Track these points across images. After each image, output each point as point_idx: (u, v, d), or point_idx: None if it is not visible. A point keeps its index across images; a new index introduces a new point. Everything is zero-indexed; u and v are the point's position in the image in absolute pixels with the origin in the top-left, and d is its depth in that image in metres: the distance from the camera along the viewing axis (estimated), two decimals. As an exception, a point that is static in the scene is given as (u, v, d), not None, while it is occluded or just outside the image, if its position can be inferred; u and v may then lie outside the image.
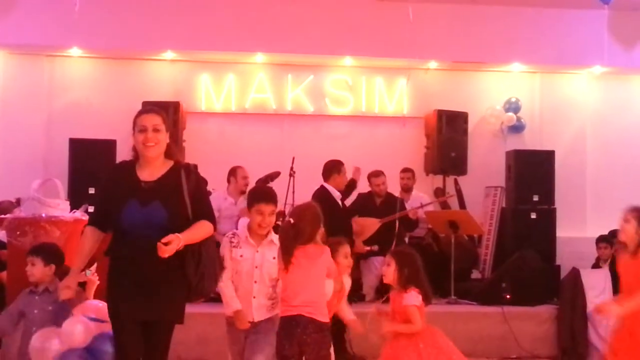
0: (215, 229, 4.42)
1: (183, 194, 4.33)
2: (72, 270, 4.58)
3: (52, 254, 5.57)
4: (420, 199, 10.16)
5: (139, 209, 4.25)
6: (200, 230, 4.31)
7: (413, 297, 5.37)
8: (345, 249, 5.66)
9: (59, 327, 5.23)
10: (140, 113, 4.46)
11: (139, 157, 4.43)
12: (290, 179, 9.29)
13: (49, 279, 5.48)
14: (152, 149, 4.35)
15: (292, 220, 4.94)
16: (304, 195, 8.49)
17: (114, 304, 4.35)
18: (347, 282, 5.74)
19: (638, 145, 11.67)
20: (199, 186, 4.48)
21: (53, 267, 5.51)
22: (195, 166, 4.51)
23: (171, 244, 4.06)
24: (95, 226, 4.51)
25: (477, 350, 8.32)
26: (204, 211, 4.40)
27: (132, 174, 4.38)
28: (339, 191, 8.86)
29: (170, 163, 4.46)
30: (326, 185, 8.79)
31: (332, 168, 8.88)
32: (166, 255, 4.04)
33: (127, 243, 4.25)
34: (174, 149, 4.53)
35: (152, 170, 4.39)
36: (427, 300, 5.50)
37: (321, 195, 8.43)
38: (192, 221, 4.31)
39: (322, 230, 5.05)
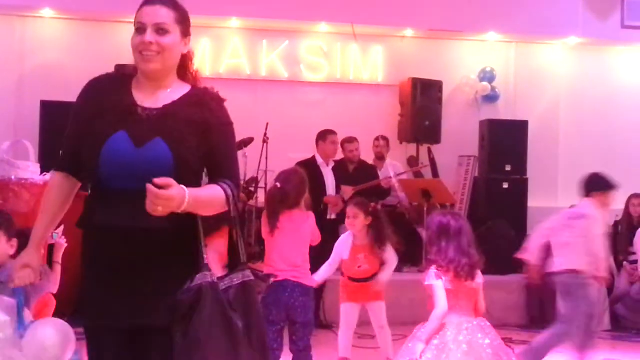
0: (238, 197, 2.96)
1: (201, 136, 2.84)
2: (31, 241, 2.99)
3: (12, 225, 4.38)
4: (394, 167, 10.17)
5: (130, 148, 2.77)
6: (215, 198, 2.81)
7: (432, 275, 4.64)
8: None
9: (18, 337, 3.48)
10: (141, 5, 2.91)
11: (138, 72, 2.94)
12: (263, 145, 9.26)
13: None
14: (153, 60, 2.84)
15: (279, 185, 4.97)
16: (278, 161, 8.49)
17: (89, 304, 2.86)
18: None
19: (611, 117, 11.73)
20: (227, 131, 2.95)
21: (16, 241, 4.21)
22: (223, 99, 3.01)
23: (169, 193, 2.59)
24: (65, 172, 2.99)
25: (447, 318, 8.38)
26: (229, 170, 2.92)
27: (125, 95, 2.89)
28: (326, 161, 8.90)
29: (186, 87, 2.95)
30: (316, 154, 9.00)
31: (318, 136, 9.01)
32: (158, 211, 2.58)
33: (110, 205, 2.77)
34: (191, 65, 3.01)
35: (156, 94, 2.89)
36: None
37: (306, 162, 8.51)
38: (208, 183, 2.90)
39: (307, 196, 5.09)
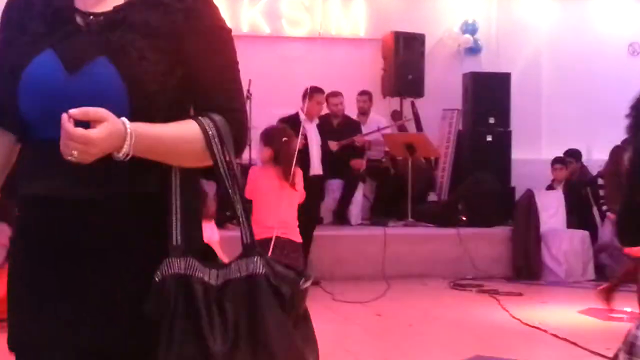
0: (243, 140, 1.96)
1: (173, 53, 1.84)
2: None
3: None
4: (378, 122, 10.16)
5: (59, 74, 1.80)
6: (183, 140, 1.82)
7: None
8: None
9: None
10: None
11: None
12: (247, 102, 9.19)
13: None
14: None
15: (287, 139, 4.99)
16: (262, 118, 8.44)
17: (18, 319, 1.91)
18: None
19: (593, 67, 11.71)
20: (215, 38, 1.92)
21: None
22: None
23: (89, 134, 1.68)
24: None
25: (433, 271, 8.47)
26: (220, 98, 1.90)
27: None
28: (310, 118, 8.87)
29: None
30: (299, 110, 8.92)
31: (304, 93, 8.92)
32: (73, 157, 1.68)
33: (38, 165, 1.86)
34: None
35: None
36: None
37: (288, 118, 8.50)
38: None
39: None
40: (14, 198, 1.91)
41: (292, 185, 4.94)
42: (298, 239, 5.02)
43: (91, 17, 1.85)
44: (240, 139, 1.90)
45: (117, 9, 1.85)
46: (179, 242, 1.79)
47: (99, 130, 1.68)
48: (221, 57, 1.92)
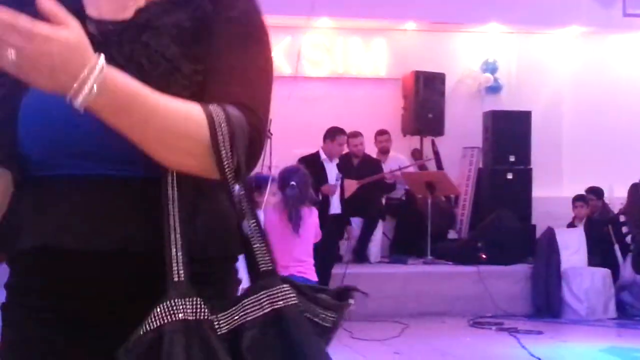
0: (259, 148, 1.44)
1: (204, 50, 1.48)
2: None
3: None
4: (398, 160, 10.21)
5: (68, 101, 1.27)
6: (175, 115, 1.33)
7: None
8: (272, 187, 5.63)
9: None
10: None
11: None
12: (267, 142, 9.28)
13: None
14: None
15: (294, 183, 5.05)
16: (282, 157, 8.53)
17: None
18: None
19: (614, 106, 11.72)
20: (243, 22, 1.53)
21: None
22: None
23: (38, 30, 1.19)
24: None
25: (453, 310, 8.44)
26: (237, 91, 1.45)
27: (65, 1, 1.31)
28: (330, 158, 8.96)
29: None
30: (320, 149, 9.01)
31: (326, 134, 9.06)
32: (8, 57, 1.18)
33: (43, 211, 1.43)
34: None
35: None
36: None
37: (309, 157, 8.59)
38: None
39: (311, 191, 5.20)
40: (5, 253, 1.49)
41: (297, 228, 5.00)
42: (313, 277, 5.06)
43: (104, 26, 1.48)
44: (255, 145, 1.40)
45: (139, 13, 1.49)
46: (182, 276, 1.32)
47: (58, 30, 1.21)
48: (245, 49, 1.51)
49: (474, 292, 8.67)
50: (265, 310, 1.33)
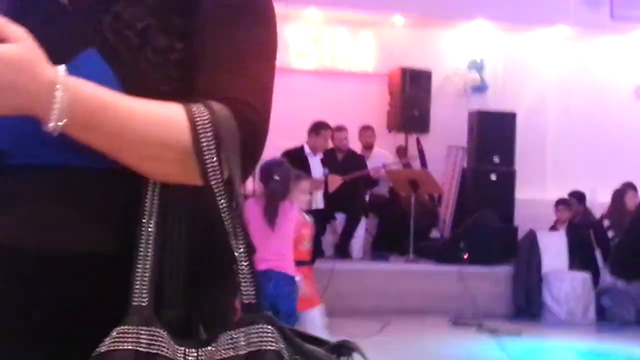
0: (257, 150, 1.27)
1: (186, 25, 1.25)
2: None
3: None
4: (382, 156, 10.17)
5: None
6: (155, 112, 1.15)
7: None
8: (304, 184, 5.52)
9: None
10: None
11: None
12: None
13: None
14: None
15: (277, 178, 5.00)
16: (267, 149, 8.35)
17: None
18: (310, 221, 5.60)
19: (600, 109, 11.72)
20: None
21: None
22: None
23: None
24: None
25: (433, 308, 8.41)
26: (230, 80, 1.23)
27: None
28: (314, 152, 8.92)
29: None
30: (305, 144, 9.02)
31: (311, 128, 9.04)
32: None
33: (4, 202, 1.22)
34: None
35: None
36: None
37: (293, 151, 8.53)
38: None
39: (292, 185, 5.15)
40: None
41: (272, 223, 4.95)
42: (292, 272, 5.01)
43: None
44: (252, 147, 1.22)
45: None
46: (144, 300, 1.13)
47: (9, 46, 1.05)
48: (240, 25, 1.26)
49: (455, 292, 8.65)
50: (240, 352, 1.12)
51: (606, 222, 9.35)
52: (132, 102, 1.14)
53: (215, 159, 1.13)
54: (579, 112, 11.69)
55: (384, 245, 9.60)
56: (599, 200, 10.41)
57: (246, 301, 1.15)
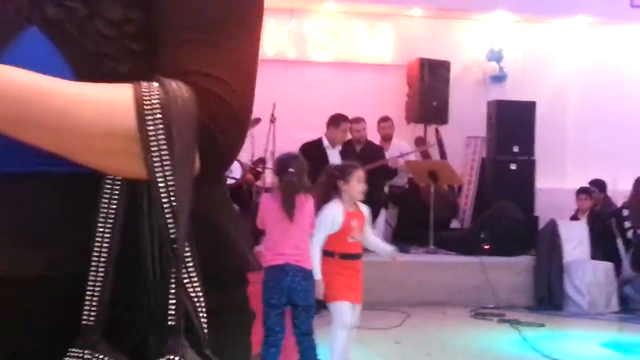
0: (230, 140, 1.02)
1: None
2: None
3: None
4: (401, 147, 10.15)
5: None
6: (90, 96, 0.97)
7: None
8: (359, 172, 5.33)
9: None
10: None
11: None
12: (270, 126, 9.23)
13: None
14: None
15: (293, 170, 4.99)
16: (285, 142, 8.47)
17: None
18: (365, 211, 5.48)
19: (619, 97, 11.65)
20: None
21: None
22: None
23: None
24: None
25: (454, 300, 8.40)
26: (196, 43, 1.02)
27: None
28: (333, 144, 8.92)
29: None
30: (323, 136, 9.01)
31: (330, 120, 9.04)
32: None
33: None
34: None
35: None
36: None
37: (311, 144, 8.54)
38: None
39: (306, 179, 5.13)
40: None
41: (291, 215, 4.92)
42: (309, 265, 4.99)
43: None
44: (222, 134, 1.01)
45: None
46: (92, 319, 0.99)
47: None
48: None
49: (476, 283, 8.63)
50: None
51: (625, 212, 9.27)
52: (72, 88, 0.98)
53: (164, 148, 0.95)
54: (599, 100, 11.61)
55: (404, 237, 9.57)
56: (620, 189, 10.34)
57: (170, 322, 0.95)
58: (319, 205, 5.17)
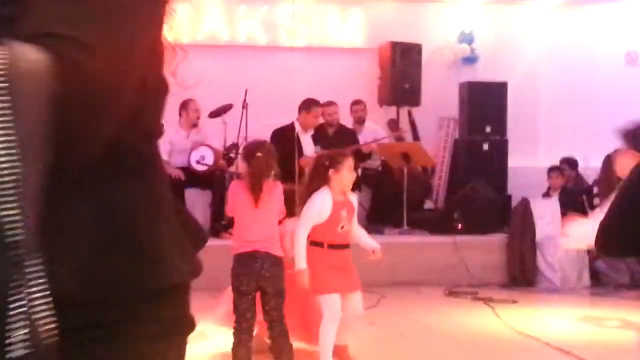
0: (101, 93, 0.88)
1: None
2: None
3: None
4: (374, 130, 10.19)
5: None
6: None
7: None
8: (350, 161, 5.18)
9: None
10: None
11: None
12: (243, 112, 9.24)
13: None
14: None
15: (260, 155, 4.98)
16: (258, 127, 8.49)
17: None
18: (354, 200, 5.40)
19: (590, 76, 11.75)
20: None
21: None
22: None
23: None
24: None
25: (429, 279, 8.47)
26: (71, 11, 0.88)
27: None
28: (305, 129, 8.94)
29: None
30: (295, 121, 8.98)
31: (301, 105, 9.04)
32: None
33: None
34: None
35: None
36: None
37: (283, 129, 8.55)
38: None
39: (275, 165, 5.12)
40: None
41: (257, 200, 4.92)
42: (278, 252, 4.99)
43: None
44: (85, 108, 0.88)
45: None
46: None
47: None
48: None
49: (449, 262, 8.71)
50: None
51: (596, 189, 9.39)
52: None
53: (8, 124, 0.80)
54: (569, 80, 11.70)
55: (378, 218, 9.63)
56: (592, 166, 10.45)
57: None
58: (308, 194, 5.10)
